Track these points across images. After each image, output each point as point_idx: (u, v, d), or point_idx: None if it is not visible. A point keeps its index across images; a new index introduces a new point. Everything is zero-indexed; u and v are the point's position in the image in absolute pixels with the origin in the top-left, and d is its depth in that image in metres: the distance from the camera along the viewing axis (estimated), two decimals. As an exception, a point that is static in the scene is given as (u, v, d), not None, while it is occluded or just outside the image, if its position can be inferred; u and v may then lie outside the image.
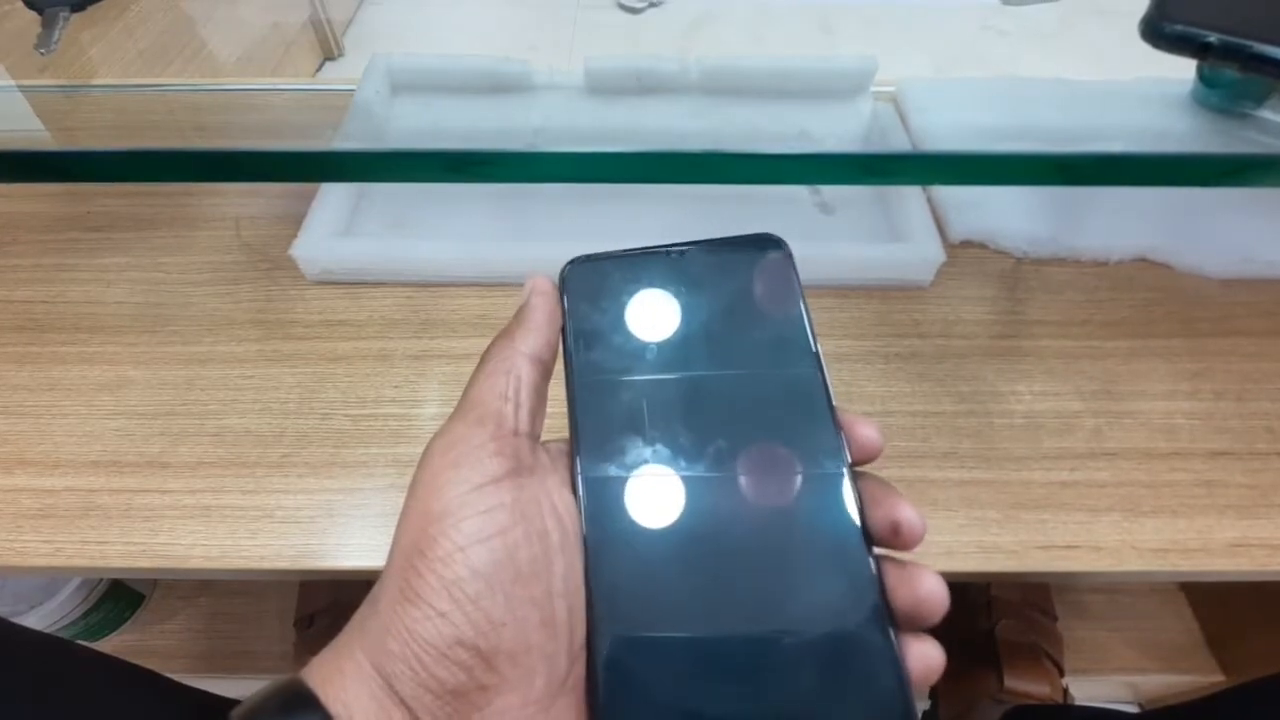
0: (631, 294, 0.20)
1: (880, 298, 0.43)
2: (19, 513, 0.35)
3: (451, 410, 0.19)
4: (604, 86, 0.54)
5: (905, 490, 0.35)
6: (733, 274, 0.20)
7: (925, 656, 0.16)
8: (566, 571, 0.17)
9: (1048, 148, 0.49)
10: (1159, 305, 0.43)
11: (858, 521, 0.17)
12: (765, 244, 0.20)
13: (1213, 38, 0.24)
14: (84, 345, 0.42)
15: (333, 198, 0.46)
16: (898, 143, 0.49)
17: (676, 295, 0.20)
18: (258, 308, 0.43)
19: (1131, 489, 0.35)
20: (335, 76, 1.31)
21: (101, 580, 0.58)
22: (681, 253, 0.20)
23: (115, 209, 0.50)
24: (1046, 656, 0.56)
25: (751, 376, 0.19)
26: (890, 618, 0.16)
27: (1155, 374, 0.40)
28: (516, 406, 0.18)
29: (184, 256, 0.46)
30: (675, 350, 0.19)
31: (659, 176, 0.23)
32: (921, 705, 0.15)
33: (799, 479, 0.18)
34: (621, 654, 0.16)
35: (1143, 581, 0.63)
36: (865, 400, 0.39)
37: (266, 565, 0.33)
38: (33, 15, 0.44)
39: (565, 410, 0.19)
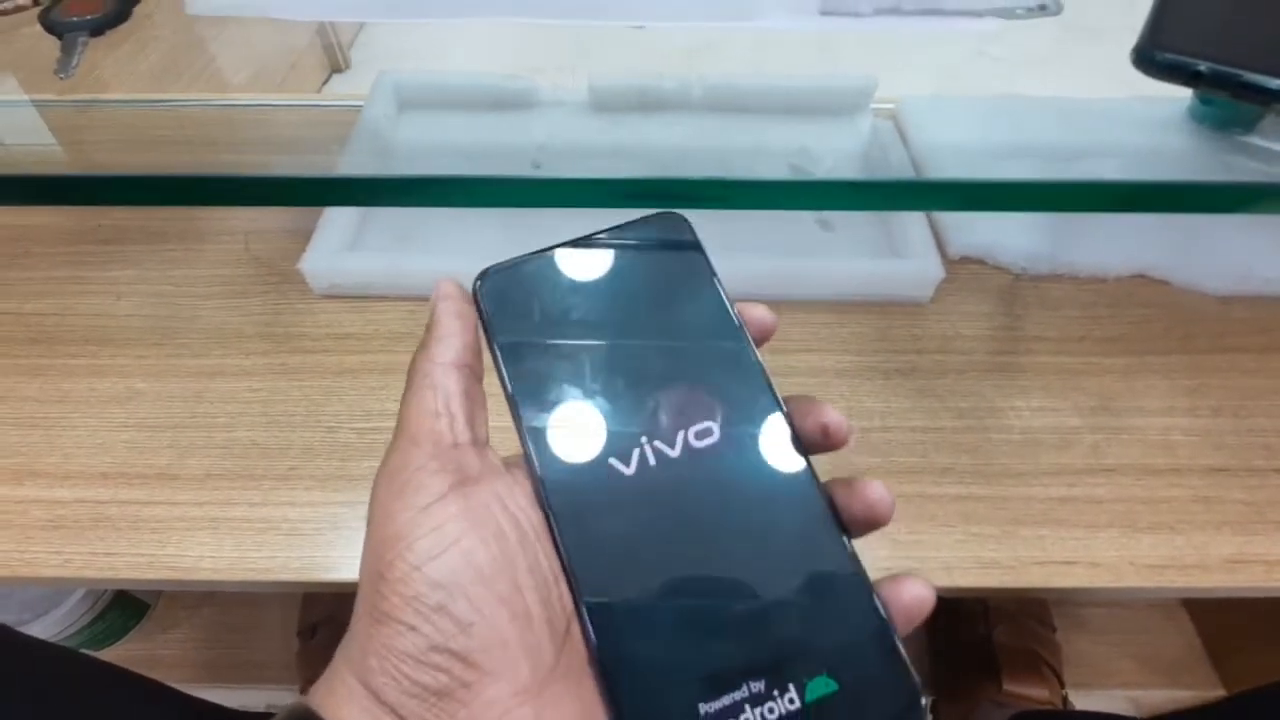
0: (549, 290, 0.20)
1: (879, 313, 0.44)
2: (28, 524, 0.35)
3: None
4: (608, 104, 0.55)
5: (904, 505, 0.36)
6: (642, 254, 0.21)
7: (915, 593, 0.17)
8: (532, 565, 0.18)
9: (1047, 166, 0.50)
10: (1157, 322, 0.43)
11: (802, 458, 0.18)
12: (667, 221, 0.21)
13: (1203, 66, 0.24)
14: (94, 358, 0.42)
15: (340, 212, 0.47)
16: (897, 160, 0.50)
17: (593, 282, 0.20)
18: (265, 321, 0.44)
19: (1129, 505, 0.36)
20: (342, 90, 1.32)
21: (107, 590, 0.59)
22: (589, 242, 0.21)
23: (125, 222, 0.50)
24: (1045, 663, 0.56)
25: (677, 344, 0.20)
26: (845, 530, 0.18)
27: (1153, 390, 0.40)
28: (450, 419, 0.18)
29: (193, 269, 0.47)
30: (603, 333, 0.20)
31: (662, 201, 0.24)
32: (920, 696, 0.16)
33: (740, 428, 0.19)
34: (612, 616, 0.17)
35: (1141, 598, 0.63)
36: (864, 415, 0.39)
37: (272, 578, 0.33)
38: (44, 31, 0.45)
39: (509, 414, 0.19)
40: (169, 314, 0.45)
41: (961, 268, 0.46)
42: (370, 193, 0.26)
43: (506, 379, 0.19)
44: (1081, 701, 0.58)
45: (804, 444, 0.19)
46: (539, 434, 0.19)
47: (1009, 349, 0.42)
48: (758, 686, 0.16)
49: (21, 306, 0.45)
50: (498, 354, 0.19)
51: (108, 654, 0.62)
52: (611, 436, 0.19)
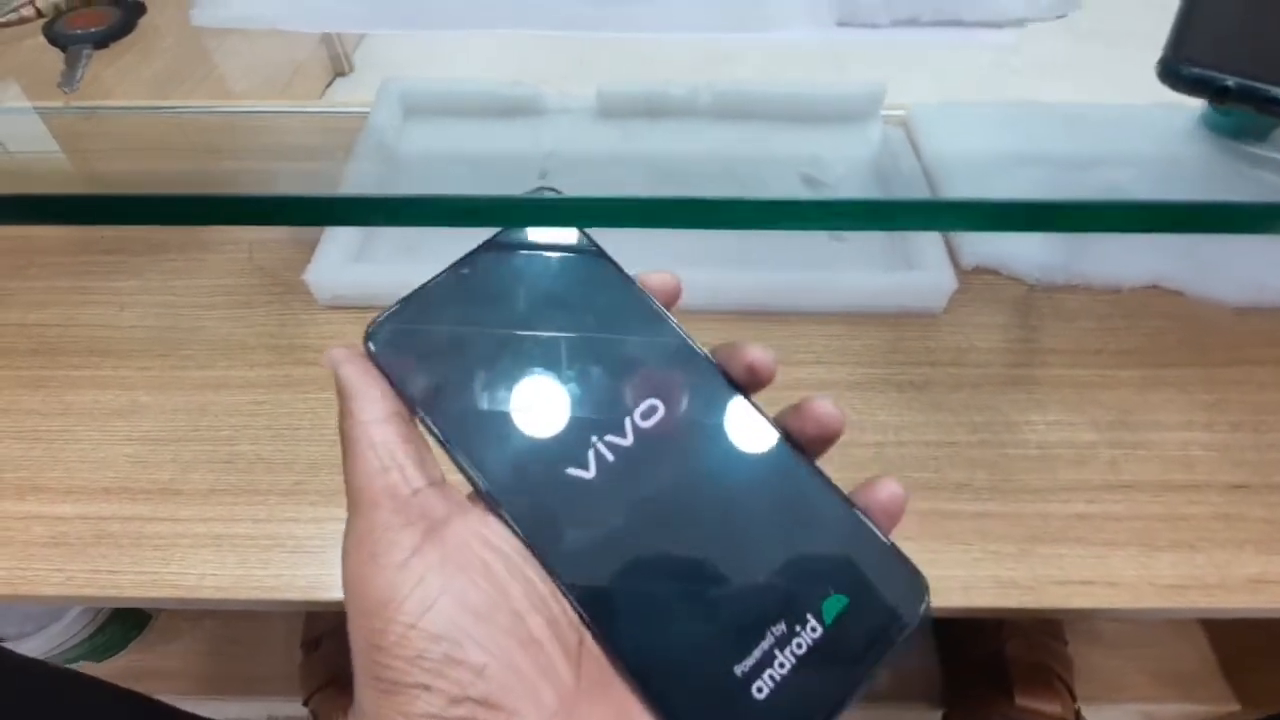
0: (442, 322, 0.20)
1: (892, 325, 0.43)
2: (30, 540, 0.35)
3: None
4: (615, 111, 0.54)
5: (920, 523, 0.35)
6: (522, 257, 0.21)
7: (890, 491, 0.18)
8: (526, 589, 0.17)
9: (1059, 174, 0.49)
10: (1172, 334, 0.43)
11: (745, 400, 0.19)
12: (543, 228, 0.21)
13: (1230, 81, 0.24)
14: (97, 369, 0.42)
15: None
16: (909, 169, 0.49)
17: (484, 301, 0.20)
18: (270, 332, 0.44)
19: (1148, 522, 0.35)
20: (346, 94, 1.32)
21: (108, 600, 0.58)
22: (465, 266, 0.21)
23: (128, 232, 0.50)
24: (1057, 678, 0.55)
25: (588, 333, 0.20)
26: (805, 454, 0.19)
27: (1170, 404, 0.40)
28: (399, 469, 0.18)
29: (196, 280, 0.47)
30: (511, 347, 0.20)
31: (678, 222, 0.23)
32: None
33: (680, 393, 0.19)
34: (622, 618, 0.17)
35: (1160, 618, 0.62)
36: (878, 430, 0.39)
37: (278, 596, 0.33)
38: (48, 44, 0.44)
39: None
40: (172, 325, 0.44)
41: (975, 278, 0.45)
42: (381, 212, 0.26)
43: (433, 425, 0.19)
44: (1094, 716, 0.57)
45: (740, 387, 0.19)
46: (486, 468, 0.18)
47: (1024, 361, 0.42)
48: (779, 628, 0.17)
49: (24, 317, 0.45)
50: (415, 403, 0.19)
51: (109, 666, 0.61)
52: (560, 446, 0.18)
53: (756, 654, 0.16)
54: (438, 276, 0.20)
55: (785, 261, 0.45)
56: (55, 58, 0.41)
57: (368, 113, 0.53)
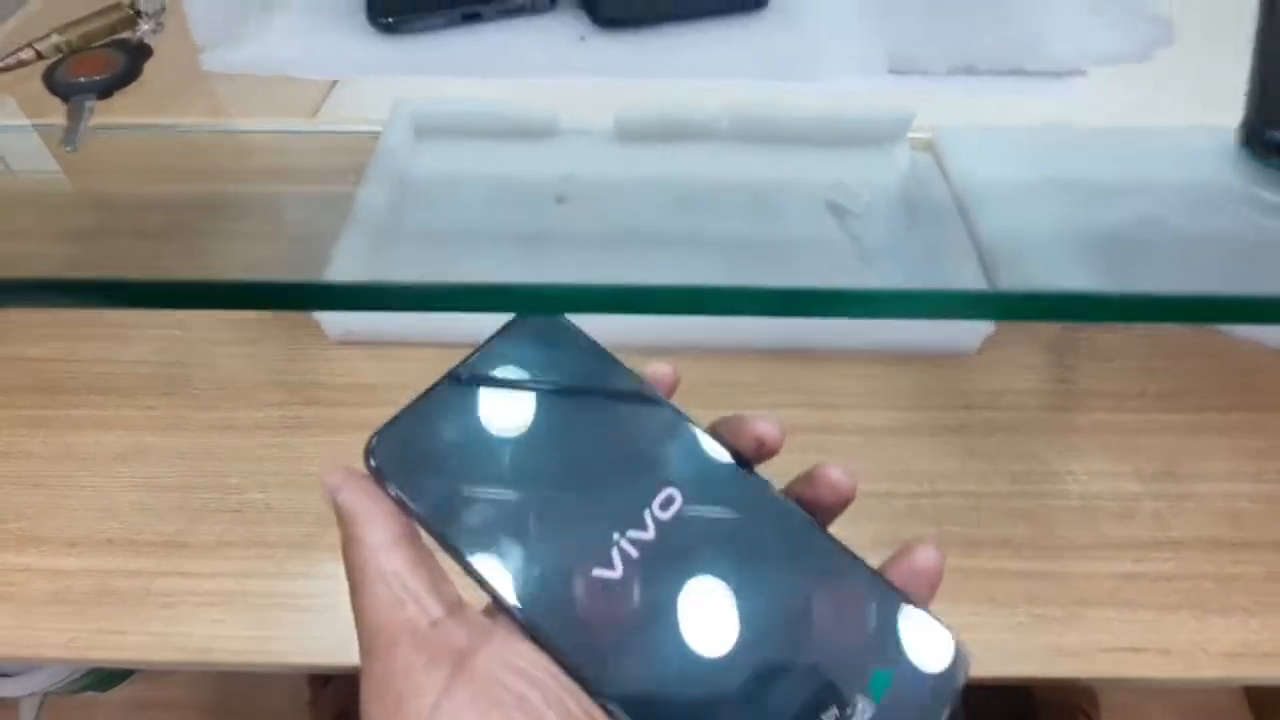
0: (447, 430, 0.19)
1: (921, 366, 0.42)
2: (31, 597, 0.33)
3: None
4: (633, 134, 0.52)
5: (962, 583, 0.33)
6: (524, 359, 0.20)
7: (927, 558, 0.18)
8: (564, 716, 0.16)
9: (1093, 202, 0.47)
10: (1216, 376, 0.41)
11: (763, 481, 0.19)
12: (535, 322, 0.21)
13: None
14: (99, 409, 0.40)
15: (355, 253, 0.45)
16: (938, 196, 0.48)
17: (489, 406, 0.20)
18: (279, 369, 0.42)
19: (1199, 583, 0.33)
20: (346, 99, 1.29)
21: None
22: (468, 369, 0.20)
23: (132, 259, 0.48)
24: (1084, 715, 0.54)
25: (598, 430, 0.20)
26: (824, 529, 0.19)
27: (1217, 452, 0.38)
28: (415, 600, 0.17)
29: (202, 313, 0.45)
30: (521, 453, 0.19)
31: (706, 309, 0.22)
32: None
33: (696, 480, 0.19)
34: (658, 710, 0.16)
35: (1213, 686, 0.60)
36: (913, 479, 0.37)
37: (291, 660, 0.31)
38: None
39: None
40: (177, 360, 0.43)
41: (1009, 314, 0.44)
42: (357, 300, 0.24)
43: (448, 540, 0.18)
44: (1120, 754, 0.56)
45: (749, 463, 0.19)
46: (509, 581, 0.17)
47: (1063, 405, 0.40)
48: (833, 715, 0.16)
49: (25, 350, 0.43)
50: (426, 520, 0.18)
51: (114, 695, 0.60)
52: (583, 550, 0.18)
53: None
54: (435, 385, 0.20)
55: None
56: (55, 105, 0.40)
57: (378, 132, 0.52)
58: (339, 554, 0.37)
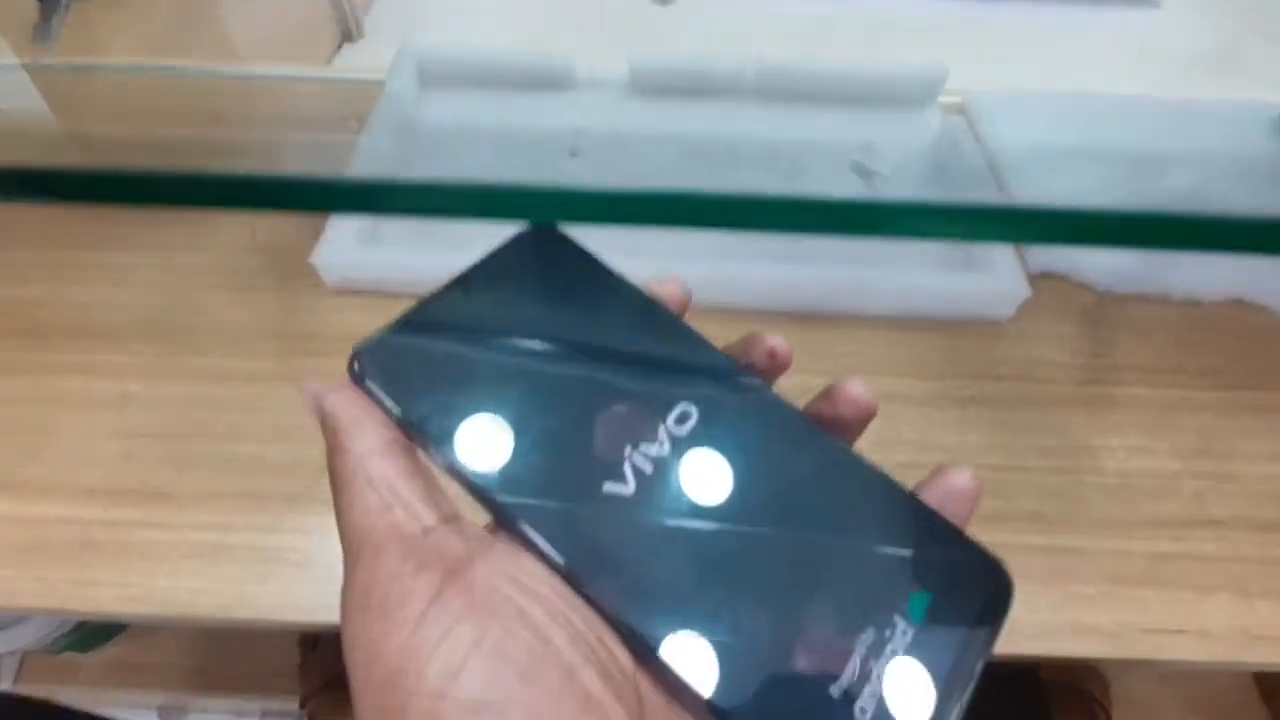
0: (441, 343, 0.18)
1: (950, 333, 0.40)
2: (6, 545, 0.31)
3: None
4: (649, 86, 0.50)
5: (990, 558, 0.31)
6: (528, 271, 0.19)
7: (962, 479, 0.17)
8: (571, 636, 0.14)
9: (1130, 172, 0.45)
10: (1257, 354, 0.39)
11: (778, 396, 0.18)
12: (539, 235, 0.20)
13: None
14: (86, 354, 0.38)
15: (358, 199, 0.43)
16: (970, 160, 0.45)
17: (485, 316, 0.18)
18: (274, 318, 0.40)
19: (1241, 564, 0.32)
20: (354, 61, 1.27)
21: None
22: (466, 280, 0.19)
23: (123, 201, 0.46)
24: (1095, 702, 0.53)
25: (601, 343, 0.18)
26: (849, 444, 0.17)
27: (1257, 431, 0.36)
28: (404, 506, 0.15)
29: (196, 257, 0.43)
30: (523, 364, 0.18)
31: (721, 220, 0.20)
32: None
33: (709, 394, 0.18)
34: (698, 653, 0.15)
35: (1255, 670, 0.59)
36: (938, 451, 0.35)
37: (279, 617, 0.30)
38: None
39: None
40: (168, 306, 0.40)
41: (1040, 283, 0.42)
42: (405, 199, 0.22)
43: (443, 453, 0.16)
44: (1127, 744, 0.55)
45: (766, 382, 0.18)
46: (512, 494, 0.16)
47: (1097, 378, 0.38)
48: (868, 637, 0.15)
49: (10, 292, 0.41)
50: (419, 433, 0.16)
51: (97, 657, 0.59)
52: (591, 462, 0.16)
53: (851, 670, 0.14)
54: (429, 296, 0.18)
55: (832, 257, 0.41)
56: (31, 7, 0.37)
57: (383, 81, 0.49)
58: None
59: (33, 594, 0.30)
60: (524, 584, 0.15)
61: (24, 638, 0.52)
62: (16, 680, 0.60)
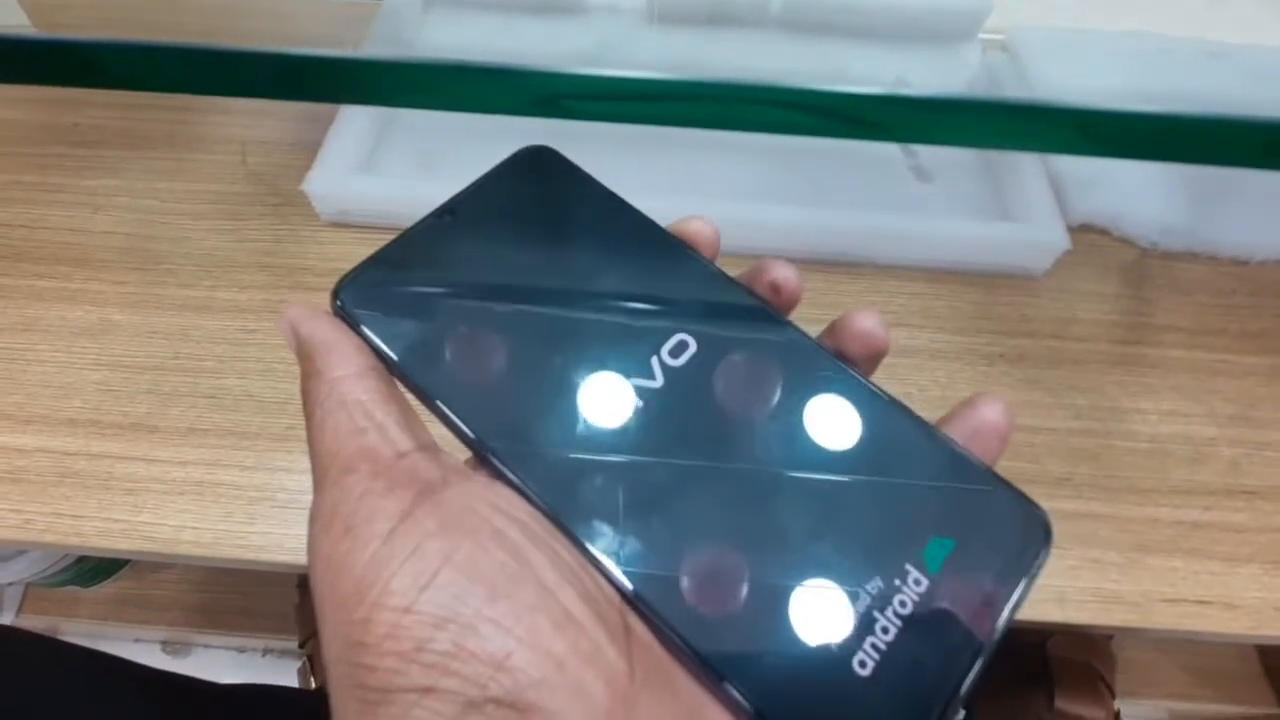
0: (430, 270, 0.17)
1: (982, 286, 0.37)
2: (-16, 474, 0.30)
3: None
4: (668, 14, 0.46)
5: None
6: (523, 195, 0.18)
7: (993, 411, 0.15)
8: (552, 559, 0.14)
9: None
10: (1307, 317, 0.37)
11: (785, 323, 0.16)
12: (530, 156, 0.18)
13: None
14: (65, 280, 0.36)
15: (353, 125, 0.40)
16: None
17: (479, 245, 0.17)
18: (264, 249, 0.38)
19: (1274, 536, 0.30)
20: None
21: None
22: (456, 205, 0.17)
23: (107, 122, 0.44)
24: (1100, 679, 0.52)
25: (599, 267, 0.17)
26: (865, 376, 0.16)
27: (1302, 399, 0.34)
28: (379, 430, 0.14)
29: (182, 183, 0.41)
30: (512, 291, 0.17)
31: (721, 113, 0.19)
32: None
33: (709, 326, 0.16)
34: (662, 573, 0.14)
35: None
36: (962, 407, 0.33)
37: (265, 557, 0.28)
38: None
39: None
40: (153, 234, 0.38)
41: (1079, 236, 0.39)
42: (405, 86, 0.20)
43: (422, 384, 0.15)
44: (1125, 710, 0.55)
45: (777, 311, 0.17)
46: (493, 426, 0.15)
47: (1134, 338, 0.36)
48: (875, 586, 0.13)
49: (-15, 214, 0.39)
50: (399, 364, 0.15)
51: (97, 591, 0.59)
52: (581, 400, 0.15)
53: (860, 621, 0.13)
54: (417, 223, 0.17)
55: (860, 203, 0.38)
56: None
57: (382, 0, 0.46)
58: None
59: (12, 526, 0.29)
60: (502, 508, 0.14)
61: (25, 568, 0.52)
62: (20, 612, 0.60)
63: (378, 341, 0.15)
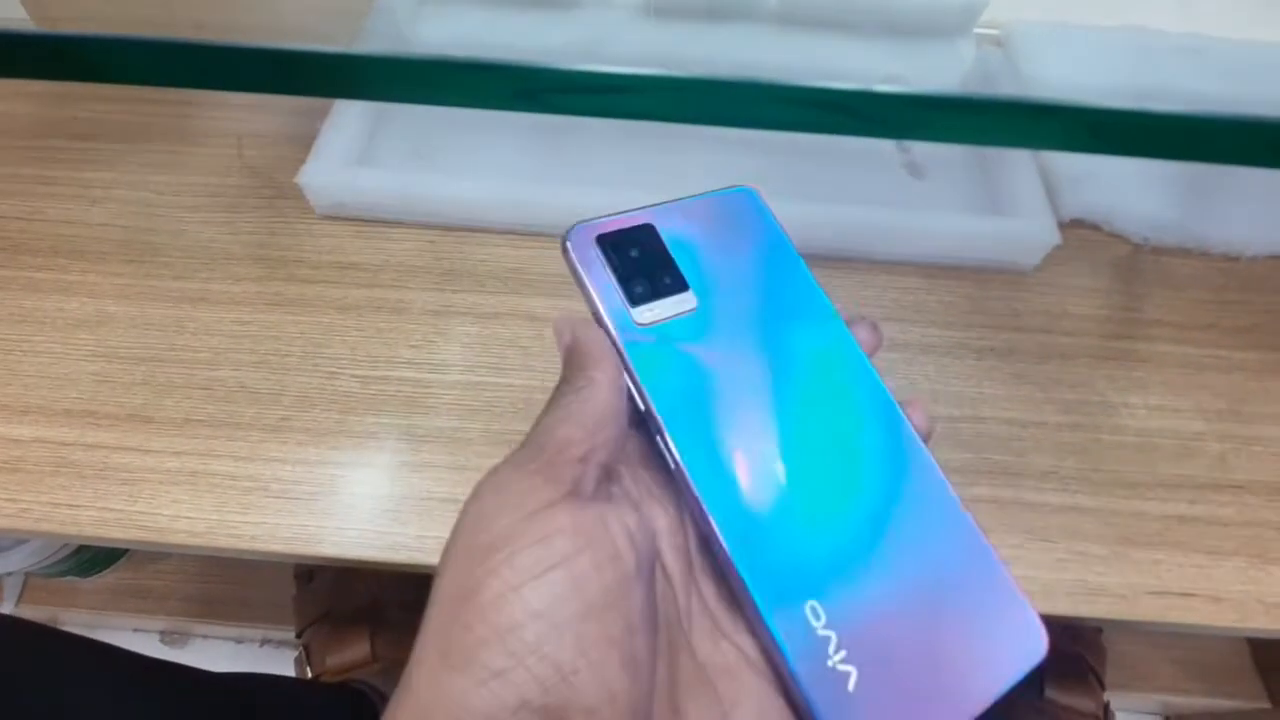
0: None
1: (973, 280, 0.38)
2: (-19, 463, 0.30)
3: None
4: (664, 8, 0.46)
5: (999, 513, 0.30)
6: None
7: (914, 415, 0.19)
8: (644, 604, 0.15)
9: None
10: (1296, 313, 0.37)
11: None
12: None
13: None
14: (62, 272, 0.37)
15: (348, 119, 0.40)
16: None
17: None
18: (259, 241, 0.38)
19: (1259, 530, 0.30)
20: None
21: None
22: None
23: (104, 115, 0.44)
24: (1090, 670, 0.52)
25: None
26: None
27: (1291, 394, 0.34)
28: (591, 436, 0.16)
29: (178, 176, 0.41)
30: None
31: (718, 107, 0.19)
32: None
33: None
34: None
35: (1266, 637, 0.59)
36: (952, 401, 0.33)
37: (258, 546, 0.29)
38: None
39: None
40: (149, 226, 0.39)
41: (1071, 231, 0.39)
42: (396, 80, 0.20)
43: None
44: (1115, 703, 0.55)
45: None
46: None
47: (1124, 333, 0.36)
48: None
49: (-18, 206, 0.39)
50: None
51: (95, 581, 0.59)
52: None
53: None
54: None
55: (854, 198, 0.38)
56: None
57: (378, -7, 0.46)
58: (317, 440, 0.33)
59: (9, 515, 0.29)
60: (630, 535, 0.15)
61: (25, 558, 0.52)
62: (19, 602, 0.61)
63: (594, 289, 0.18)
